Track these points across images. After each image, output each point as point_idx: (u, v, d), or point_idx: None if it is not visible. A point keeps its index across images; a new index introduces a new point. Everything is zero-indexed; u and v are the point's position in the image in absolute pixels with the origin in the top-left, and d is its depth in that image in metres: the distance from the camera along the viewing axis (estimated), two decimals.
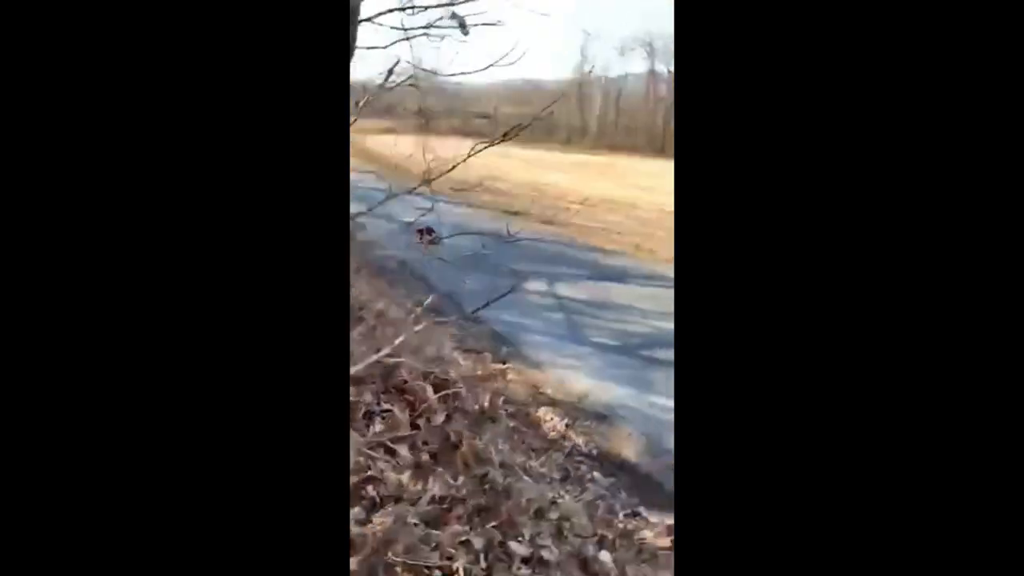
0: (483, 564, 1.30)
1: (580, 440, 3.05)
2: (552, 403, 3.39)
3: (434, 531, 1.24)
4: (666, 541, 2.21)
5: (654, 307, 5.30)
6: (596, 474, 2.75)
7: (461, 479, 1.39)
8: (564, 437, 3.03)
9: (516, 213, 8.25)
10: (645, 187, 12.52)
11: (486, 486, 1.53)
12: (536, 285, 5.40)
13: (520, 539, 1.53)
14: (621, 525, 2.21)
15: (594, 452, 2.97)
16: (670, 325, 4.99)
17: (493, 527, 1.45)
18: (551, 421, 3.16)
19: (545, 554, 1.57)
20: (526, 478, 1.91)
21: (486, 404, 2.47)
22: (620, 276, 6.10)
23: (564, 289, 5.46)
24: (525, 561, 1.48)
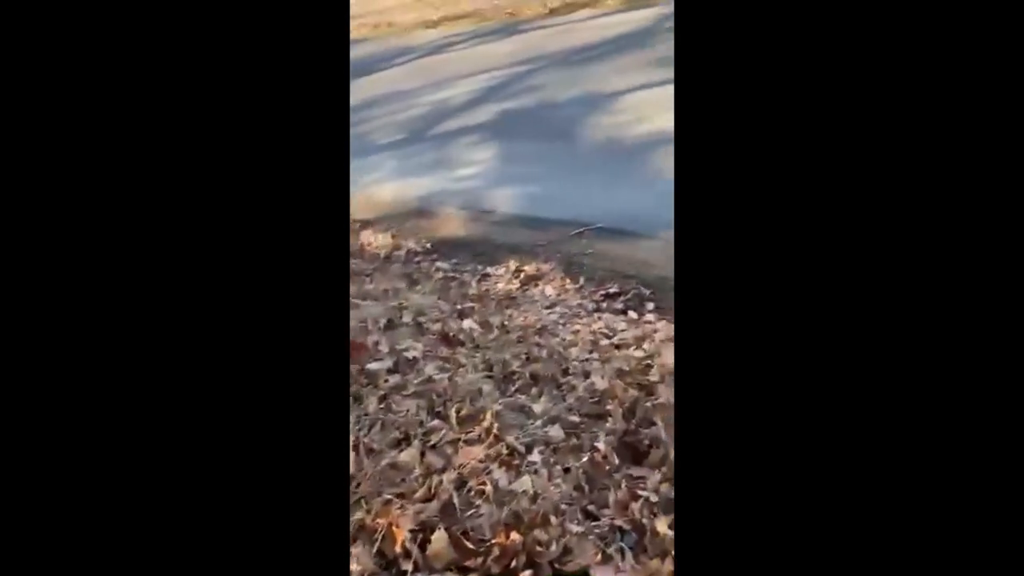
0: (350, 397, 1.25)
1: (411, 243, 3.01)
2: (369, 224, 3.24)
3: None
4: (515, 283, 2.36)
5: (423, 82, 4.95)
6: (438, 263, 2.78)
7: None
8: (395, 248, 2.97)
9: None
10: None
11: None
12: None
13: (377, 358, 1.50)
14: (474, 289, 2.30)
15: (428, 246, 2.97)
16: (445, 93, 4.77)
17: None
18: (376, 241, 3.04)
19: (408, 354, 1.57)
20: (362, 302, 1.83)
21: None
22: (372, 64, 5.51)
23: None
24: (391, 372, 1.47)
